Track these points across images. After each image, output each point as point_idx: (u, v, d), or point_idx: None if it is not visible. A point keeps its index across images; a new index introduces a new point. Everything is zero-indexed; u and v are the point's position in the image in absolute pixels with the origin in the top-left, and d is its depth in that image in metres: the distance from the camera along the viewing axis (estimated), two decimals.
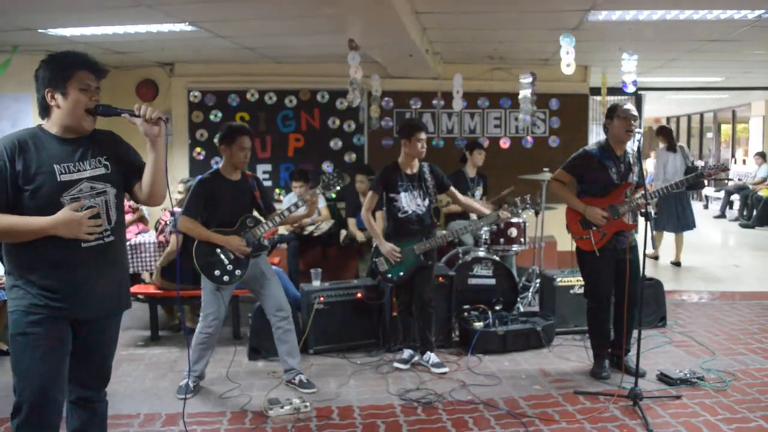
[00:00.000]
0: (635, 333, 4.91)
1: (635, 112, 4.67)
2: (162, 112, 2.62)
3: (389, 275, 5.17)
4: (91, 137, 2.83)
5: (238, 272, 4.56)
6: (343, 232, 7.37)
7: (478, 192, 7.25)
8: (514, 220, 6.50)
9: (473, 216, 6.64)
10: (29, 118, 7.39)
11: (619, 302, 4.79)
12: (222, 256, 4.52)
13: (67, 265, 2.71)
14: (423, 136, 5.08)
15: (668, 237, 8.71)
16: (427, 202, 5.13)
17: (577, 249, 4.91)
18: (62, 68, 2.71)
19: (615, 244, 4.72)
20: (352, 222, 7.48)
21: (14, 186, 2.64)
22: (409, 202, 5.09)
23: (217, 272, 4.51)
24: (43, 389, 2.68)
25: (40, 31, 6.16)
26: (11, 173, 2.63)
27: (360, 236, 7.24)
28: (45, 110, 2.77)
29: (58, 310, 2.71)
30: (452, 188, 5.29)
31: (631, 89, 6.98)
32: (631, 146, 4.82)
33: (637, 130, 4.51)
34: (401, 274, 5.13)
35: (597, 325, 4.91)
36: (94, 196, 2.78)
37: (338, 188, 4.80)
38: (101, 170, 2.82)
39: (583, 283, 5.84)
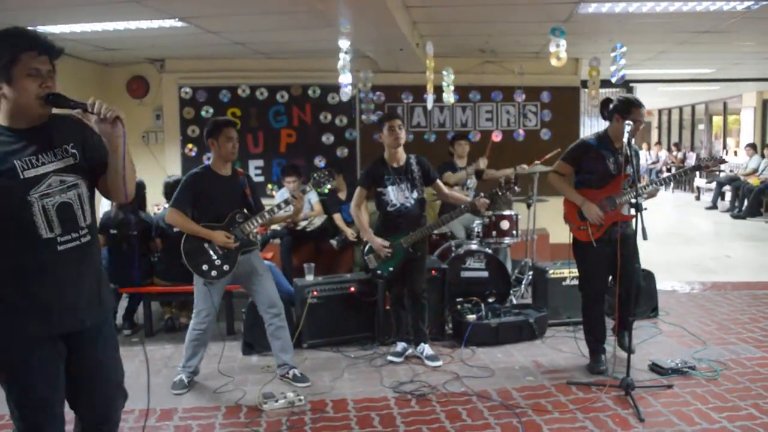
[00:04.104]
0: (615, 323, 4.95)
1: (644, 117, 4.67)
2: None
3: (379, 271, 5.19)
4: (50, 123, 2.47)
5: (225, 267, 4.55)
6: (335, 241, 7.34)
7: (471, 182, 7.25)
8: (506, 212, 6.52)
9: None
10: None
11: (621, 293, 4.67)
12: (210, 251, 4.52)
13: (45, 272, 2.43)
14: (396, 123, 5.06)
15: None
16: (415, 194, 5.13)
17: (573, 240, 4.89)
18: (5, 51, 2.33)
19: (611, 236, 4.63)
20: (338, 217, 7.49)
21: None
22: (397, 195, 5.09)
23: (204, 267, 4.51)
24: (37, 423, 2.49)
25: (29, 28, 6.12)
26: None
27: (350, 233, 7.24)
28: None
29: (43, 328, 2.45)
30: (438, 182, 5.29)
31: (618, 80, 7.00)
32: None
33: (627, 122, 4.50)
34: (391, 269, 5.15)
35: (592, 319, 4.87)
36: (65, 191, 2.46)
37: (329, 186, 4.82)
38: (69, 160, 2.48)
39: (575, 274, 5.90)
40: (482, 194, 5.05)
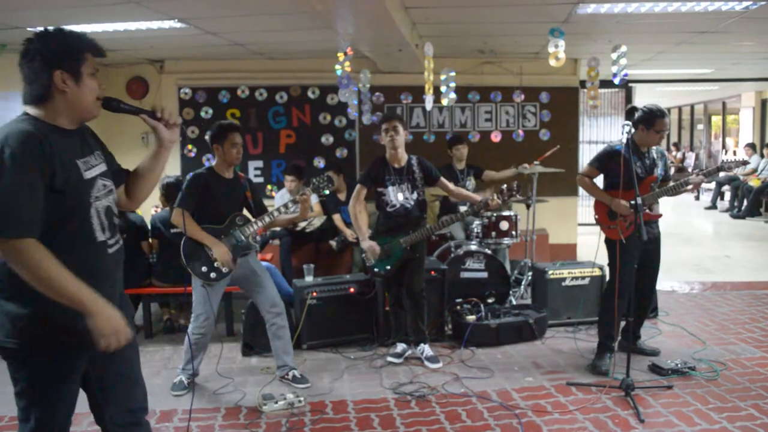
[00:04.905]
0: (625, 323, 4.99)
1: (668, 126, 4.84)
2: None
3: (376, 269, 5.20)
4: (80, 129, 2.42)
5: (224, 269, 4.56)
6: (334, 242, 7.34)
7: (470, 183, 7.25)
8: (506, 213, 6.53)
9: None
10: None
11: (638, 290, 4.77)
12: (209, 253, 4.53)
13: (102, 276, 2.37)
14: (392, 124, 5.05)
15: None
16: (415, 195, 5.14)
17: (605, 239, 4.95)
18: (75, 48, 2.28)
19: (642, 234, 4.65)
20: (337, 218, 7.48)
21: (45, 192, 2.18)
22: (397, 195, 5.10)
23: (204, 268, 4.51)
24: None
25: (29, 29, 6.13)
26: (49, 176, 2.16)
27: (349, 234, 7.23)
28: (44, 96, 2.25)
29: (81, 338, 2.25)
30: (442, 179, 5.28)
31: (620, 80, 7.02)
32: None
33: (625, 122, 4.58)
34: (388, 267, 5.15)
35: (610, 315, 4.81)
36: (107, 195, 2.42)
37: (327, 192, 4.85)
38: (103, 166, 2.45)
39: (574, 275, 5.96)
40: (496, 195, 5.07)
